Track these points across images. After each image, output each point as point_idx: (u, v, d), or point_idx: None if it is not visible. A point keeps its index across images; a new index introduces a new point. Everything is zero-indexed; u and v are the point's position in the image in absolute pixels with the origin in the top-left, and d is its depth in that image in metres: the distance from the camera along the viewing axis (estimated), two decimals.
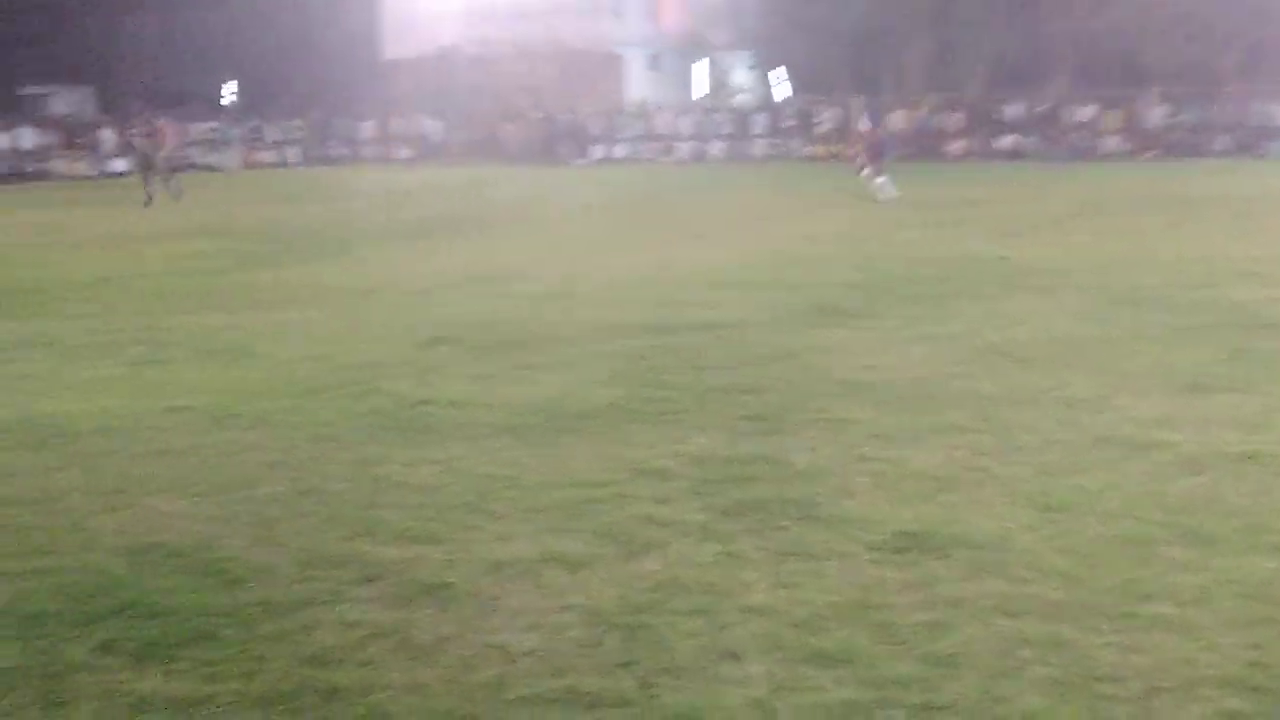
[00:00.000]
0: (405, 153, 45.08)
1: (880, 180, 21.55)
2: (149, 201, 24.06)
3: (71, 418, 6.79)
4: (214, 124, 43.71)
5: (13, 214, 23.31)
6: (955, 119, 36.24)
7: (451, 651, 3.82)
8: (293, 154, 44.64)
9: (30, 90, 54.29)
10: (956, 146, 35.59)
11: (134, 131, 25.62)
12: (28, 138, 38.26)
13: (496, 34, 48.43)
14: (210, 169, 41.07)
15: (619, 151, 42.39)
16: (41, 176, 36.30)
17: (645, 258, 14.10)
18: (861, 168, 22.72)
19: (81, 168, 38.00)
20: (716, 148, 39.43)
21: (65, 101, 52.32)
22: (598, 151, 42.41)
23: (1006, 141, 35.12)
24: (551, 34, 47.07)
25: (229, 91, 52.95)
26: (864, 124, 25.76)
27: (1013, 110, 35.57)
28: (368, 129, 47.06)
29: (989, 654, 3.69)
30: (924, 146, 34.64)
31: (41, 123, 41.34)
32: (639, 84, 48.64)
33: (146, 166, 25.85)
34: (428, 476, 5.63)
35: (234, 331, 9.68)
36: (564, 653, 3.80)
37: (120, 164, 38.95)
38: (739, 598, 4.16)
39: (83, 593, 4.26)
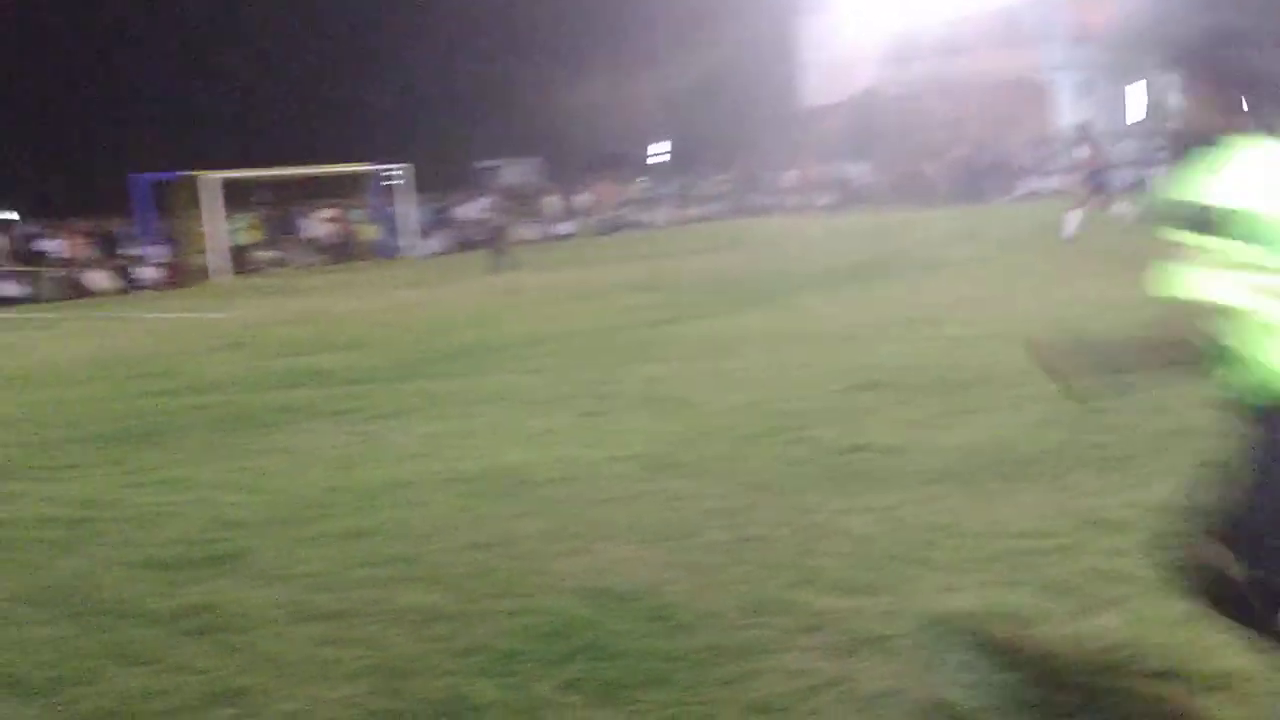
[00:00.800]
0: (827, 199, 45.50)
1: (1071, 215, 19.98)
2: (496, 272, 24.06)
3: (530, 467, 7.32)
4: (645, 182, 45.98)
5: (476, 278, 25.58)
6: None
7: (897, 706, 3.75)
8: (719, 207, 46.21)
9: (485, 163, 59.60)
10: None
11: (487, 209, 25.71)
12: (484, 207, 41.90)
13: (918, 73, 47.98)
14: (643, 225, 43.30)
15: (1049, 184, 40.74)
16: (496, 242, 39.57)
17: (1082, 292, 13.42)
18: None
19: (530, 232, 41.14)
20: (1157, 173, 37.02)
21: (515, 172, 56.98)
22: (1025, 185, 40.96)
23: None
24: (976, 66, 46.04)
25: (661, 150, 55.58)
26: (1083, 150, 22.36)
27: None
28: (790, 177, 47.92)
29: None
30: None
31: (494, 193, 45.21)
32: (1069, 111, 46.50)
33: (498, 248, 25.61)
34: (864, 524, 5.60)
35: (671, 381, 10.09)
36: (1014, 713, 3.64)
37: (566, 227, 41.89)
38: (1207, 662, 3.82)
39: (547, 632, 4.56)
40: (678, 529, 5.79)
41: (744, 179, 48.24)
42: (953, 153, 44.69)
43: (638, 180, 47.90)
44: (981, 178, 42.52)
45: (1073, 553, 4.95)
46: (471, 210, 41.57)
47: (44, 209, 47.56)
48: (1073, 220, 20.26)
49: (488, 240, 28.38)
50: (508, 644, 4.49)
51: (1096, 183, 21.27)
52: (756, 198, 46.96)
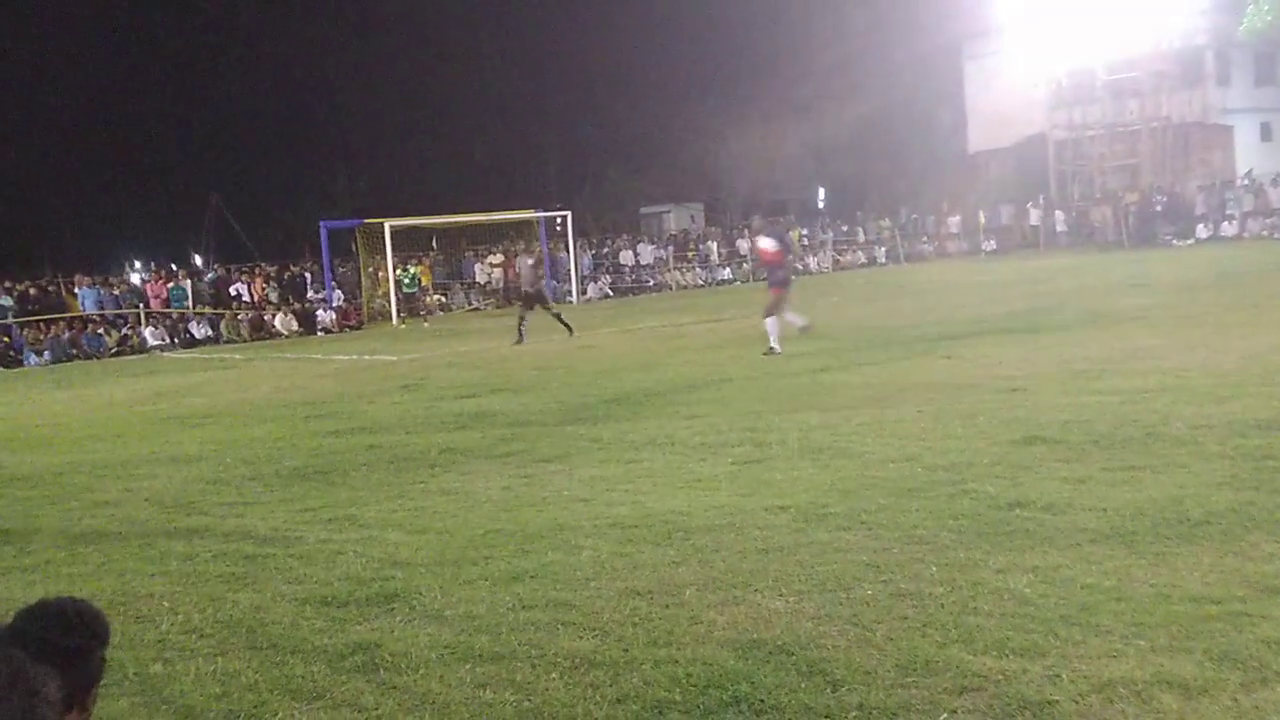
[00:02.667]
0: (992, 245, 44.69)
1: None
2: (519, 340, 22.04)
3: (688, 514, 7.38)
4: (804, 230, 45.91)
5: (638, 322, 25.87)
6: None
7: None
8: (881, 253, 45.78)
9: (648, 210, 60.36)
10: None
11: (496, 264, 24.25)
12: (647, 254, 42.43)
13: (1089, 116, 46.82)
14: (803, 272, 43.17)
15: (1227, 229, 39.25)
16: (659, 288, 40.02)
17: (1261, 344, 12.89)
18: None
19: (692, 278, 41.43)
20: None
21: (677, 218, 57.53)
22: (1203, 230, 39.52)
23: None
24: (1151, 110, 44.72)
25: (819, 197, 55.48)
26: None
27: None
28: (954, 224, 47.26)
29: None
30: None
31: (657, 239, 45.76)
32: (1249, 155, 44.77)
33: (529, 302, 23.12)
34: (1024, 584, 5.48)
35: (828, 431, 10.03)
36: None
37: (726, 273, 42.08)
38: None
39: (699, 683, 4.59)
40: (833, 582, 5.76)
41: (906, 224, 47.76)
42: (1125, 198, 43.43)
43: (798, 227, 47.85)
44: (1155, 223, 41.22)
45: (1246, 620, 4.77)
46: (634, 256, 42.12)
47: (233, 254, 49.99)
48: None
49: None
50: (660, 694, 4.54)
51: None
52: (918, 244, 46.41)
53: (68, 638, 2.20)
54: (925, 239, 47.11)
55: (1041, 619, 5.00)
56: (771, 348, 16.40)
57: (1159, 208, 42.44)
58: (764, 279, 18.75)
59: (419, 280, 35.77)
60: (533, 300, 22.85)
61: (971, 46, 51.86)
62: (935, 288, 28.59)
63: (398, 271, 35.07)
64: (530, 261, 23.96)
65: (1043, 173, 48.00)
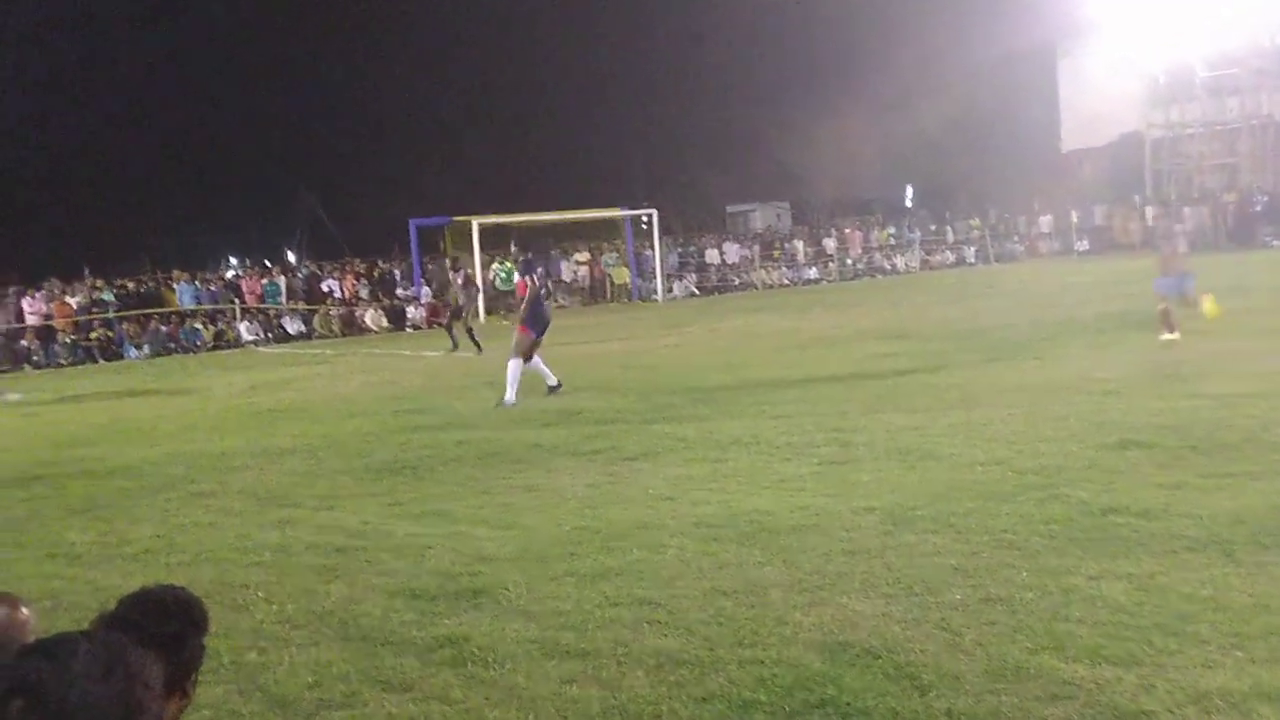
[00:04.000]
0: (1084, 245, 43.87)
1: None
2: (454, 348, 22.69)
3: (774, 514, 7.36)
4: (891, 229, 45.48)
5: (723, 320, 25.83)
6: None
7: None
8: (970, 253, 45.19)
9: (734, 208, 60.22)
10: None
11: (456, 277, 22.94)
12: (732, 252, 42.32)
13: (1187, 114, 45.74)
14: (891, 272, 42.78)
15: None
16: (744, 287, 39.90)
17: None
18: None
19: (778, 277, 41.25)
20: None
21: (763, 217, 57.31)
22: None
23: None
24: (1251, 108, 43.58)
25: (907, 196, 54.93)
26: None
27: None
28: (1045, 223, 46.48)
29: None
30: None
31: (743, 237, 45.64)
32: None
33: (455, 314, 23.49)
34: (1118, 592, 5.39)
35: (916, 432, 9.93)
36: None
37: (812, 272, 41.85)
38: None
39: (785, 685, 4.59)
40: (921, 585, 5.71)
41: (996, 224, 47.07)
42: (1223, 197, 42.38)
43: (885, 226, 47.41)
44: (1254, 223, 40.17)
45: None
46: (720, 255, 42.04)
47: (325, 251, 50.88)
48: None
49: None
50: (745, 694, 4.54)
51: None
52: (1009, 244, 45.73)
53: (165, 624, 2.26)
54: (1015, 239, 46.39)
55: (1136, 627, 4.91)
56: (504, 399, 13.80)
57: (1258, 208, 41.32)
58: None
59: (513, 276, 35.97)
60: (459, 313, 22.96)
61: (1066, 44, 50.89)
62: (1025, 288, 28.14)
63: (494, 266, 35.44)
64: (460, 280, 23.27)
65: (1138, 172, 47.00)
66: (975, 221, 47.03)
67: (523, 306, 15.04)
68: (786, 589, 5.83)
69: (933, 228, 47.47)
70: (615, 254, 39.33)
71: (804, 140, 56.89)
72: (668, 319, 27.67)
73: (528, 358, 14.22)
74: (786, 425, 10.83)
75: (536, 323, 14.51)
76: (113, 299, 31.16)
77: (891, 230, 46.53)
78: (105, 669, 1.54)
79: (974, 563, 6.02)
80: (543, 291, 15.37)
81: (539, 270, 16.97)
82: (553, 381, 14.47)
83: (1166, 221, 20.24)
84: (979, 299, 25.92)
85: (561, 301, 36.85)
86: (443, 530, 7.69)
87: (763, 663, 4.84)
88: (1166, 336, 14.81)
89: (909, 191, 60.80)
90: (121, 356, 29.10)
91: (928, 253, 45.18)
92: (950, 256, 45.21)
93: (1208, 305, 15.59)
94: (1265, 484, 7.14)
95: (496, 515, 8.03)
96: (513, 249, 39.63)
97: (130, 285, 33.14)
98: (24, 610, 3.50)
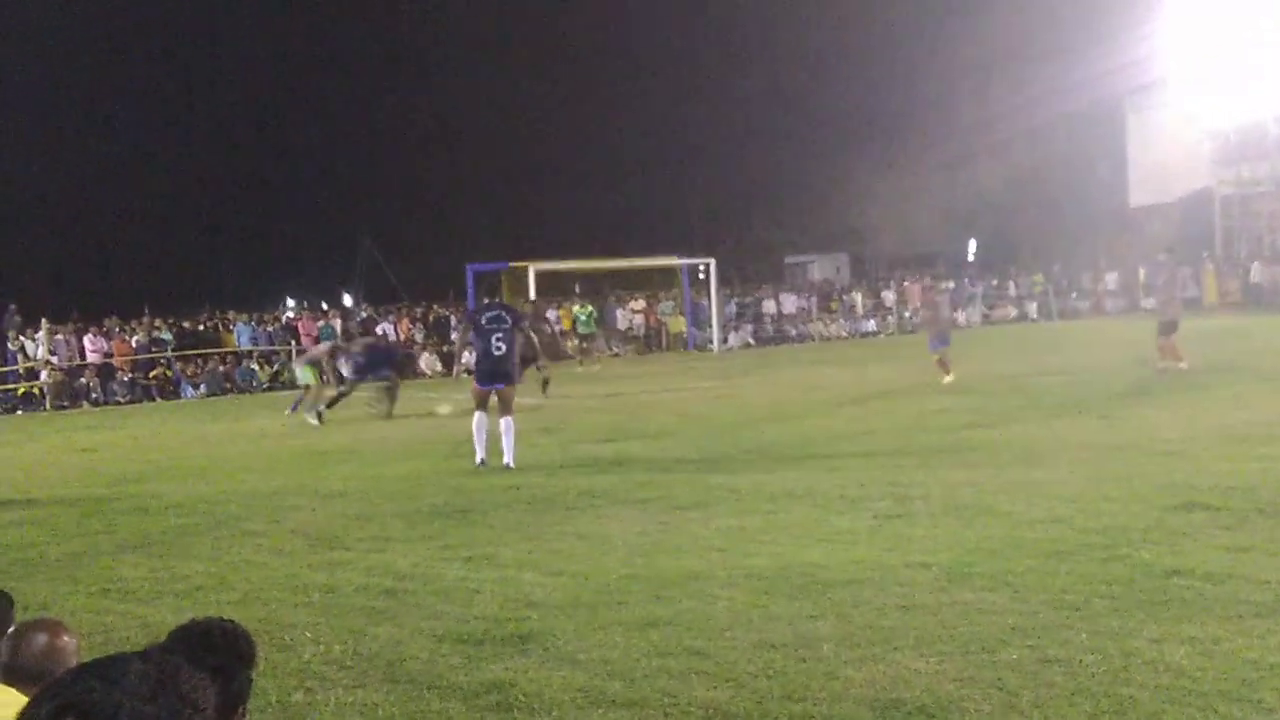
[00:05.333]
0: (1151, 303, 43.23)
1: None
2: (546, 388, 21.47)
3: (826, 567, 7.24)
4: (949, 283, 45.20)
5: (780, 371, 25.70)
6: None
7: None
8: (1033, 308, 44.73)
9: (793, 259, 60.19)
10: None
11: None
12: (790, 303, 42.19)
13: (1258, 172, 45.13)
14: (956, 326, 42.42)
15: None
16: (801, 339, 39.73)
17: None
18: None
19: (836, 329, 41.03)
20: None
21: (821, 268, 57.20)
22: None
23: None
24: None
25: (970, 250, 54.62)
26: None
27: None
28: (1111, 280, 45.94)
29: None
30: None
31: (801, 288, 45.52)
32: None
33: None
34: (1181, 656, 5.22)
35: (974, 488, 9.76)
36: None
37: (870, 324, 41.62)
38: None
39: None
40: (977, 644, 5.57)
41: (1060, 280, 46.59)
42: None
43: (946, 279, 47.07)
44: None
45: None
46: (777, 305, 41.93)
47: (381, 295, 51.47)
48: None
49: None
50: None
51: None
52: (1074, 299, 45.22)
53: (212, 656, 2.24)
54: (1078, 294, 45.87)
55: (1199, 693, 4.75)
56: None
57: None
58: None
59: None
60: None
61: (1135, 99, 50.50)
62: (1092, 344, 27.76)
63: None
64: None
65: (1208, 230, 46.36)
66: (1039, 277, 46.57)
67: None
68: (838, 644, 5.71)
69: (994, 282, 47.07)
70: (671, 303, 39.33)
71: (864, 193, 56.85)
72: (723, 369, 27.56)
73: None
74: (842, 478, 10.70)
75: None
76: (170, 339, 31.63)
77: (950, 283, 46.18)
78: (154, 689, 1.53)
79: (1032, 622, 5.86)
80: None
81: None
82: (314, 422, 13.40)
83: (1165, 270, 20.16)
84: (1042, 355, 25.59)
85: (616, 350, 36.91)
86: (491, 575, 7.64)
87: (813, 718, 4.73)
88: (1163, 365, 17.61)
89: (972, 245, 60.41)
90: (178, 395, 29.47)
91: (989, 307, 44.77)
92: (1013, 311, 44.76)
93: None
94: None
95: (546, 561, 7.97)
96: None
97: (188, 325, 33.60)
98: (65, 637, 3.50)
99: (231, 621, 2.43)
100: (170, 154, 71.62)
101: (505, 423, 12.68)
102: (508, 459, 12.51)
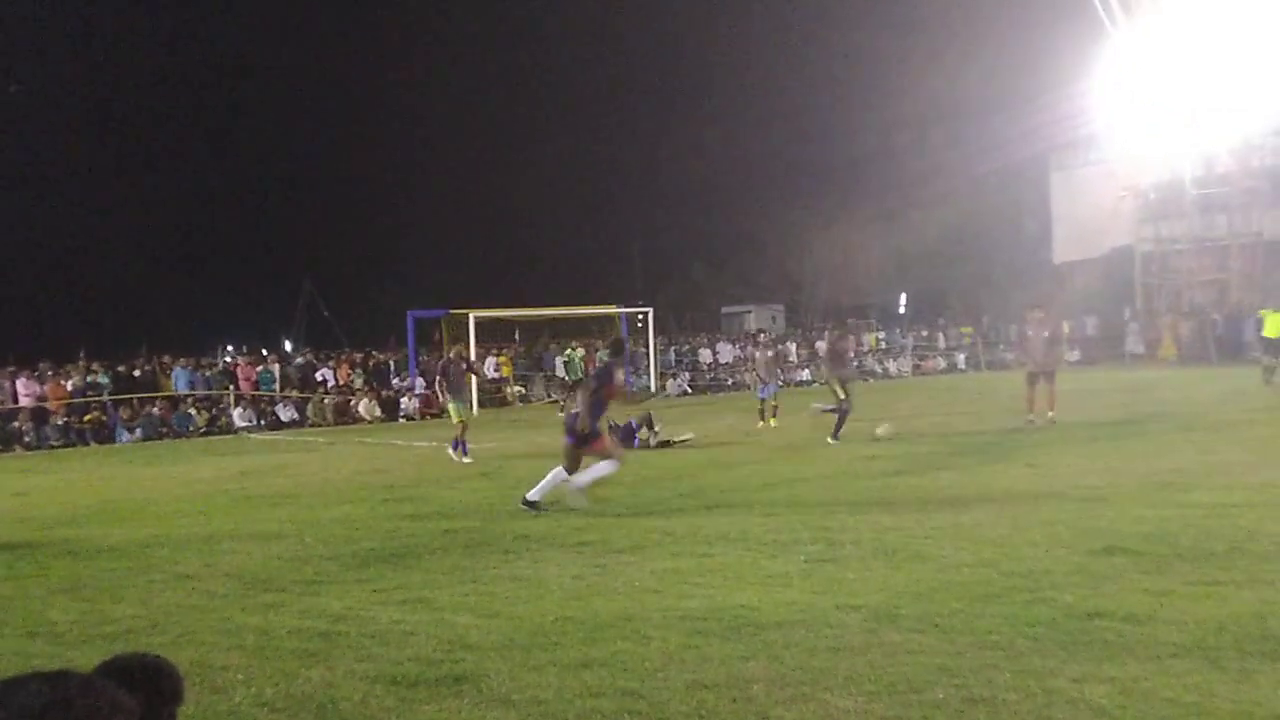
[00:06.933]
0: (1074, 356, 44.14)
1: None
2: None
3: (758, 610, 7.34)
4: (881, 334, 45.79)
5: (715, 419, 25.85)
6: None
7: None
8: (961, 359, 45.48)
9: (730, 309, 60.64)
10: None
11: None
12: (726, 352, 42.53)
13: (1176, 230, 46.38)
14: (883, 375, 42.97)
15: None
16: (737, 386, 40.01)
17: None
18: None
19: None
20: None
21: (758, 318, 57.69)
22: None
23: None
24: (1241, 225, 44.22)
25: (901, 302, 55.41)
26: None
27: None
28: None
29: None
30: None
31: (737, 338, 45.90)
32: None
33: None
34: (1101, 695, 5.37)
35: (902, 533, 9.93)
36: None
37: (805, 374, 42.00)
38: None
39: None
40: (904, 684, 5.69)
41: (987, 332, 47.43)
42: (1213, 313, 42.80)
43: (876, 330, 47.75)
44: (1244, 338, 40.49)
45: None
46: (713, 354, 42.23)
47: (321, 340, 51.10)
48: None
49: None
50: None
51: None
52: (1001, 351, 46.04)
53: (132, 693, 2.22)
54: (1004, 346, 46.76)
55: None
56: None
57: (1249, 324, 41.75)
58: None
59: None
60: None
61: (1060, 158, 51.80)
62: (1015, 396, 28.27)
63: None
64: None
65: (1130, 285, 47.51)
66: (968, 329, 47.40)
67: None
68: (769, 684, 5.80)
69: (924, 333, 47.81)
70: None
71: (801, 245, 57.56)
72: (659, 415, 27.67)
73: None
74: (774, 523, 10.83)
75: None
76: (108, 382, 31.18)
77: (882, 334, 46.83)
78: (43, 709, 1.50)
79: (958, 662, 6.00)
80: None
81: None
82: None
83: (1035, 326, 20.72)
84: (970, 404, 26.02)
85: (554, 396, 36.92)
86: (426, 617, 7.65)
87: None
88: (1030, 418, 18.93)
89: (903, 298, 61.31)
90: (113, 440, 29.03)
91: (919, 358, 45.45)
92: (942, 362, 45.48)
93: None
94: (1250, 593, 7.14)
95: (481, 604, 8.00)
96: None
97: (124, 369, 33.17)
98: None
99: (157, 656, 2.39)
100: (107, 196, 70.80)
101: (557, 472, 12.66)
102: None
